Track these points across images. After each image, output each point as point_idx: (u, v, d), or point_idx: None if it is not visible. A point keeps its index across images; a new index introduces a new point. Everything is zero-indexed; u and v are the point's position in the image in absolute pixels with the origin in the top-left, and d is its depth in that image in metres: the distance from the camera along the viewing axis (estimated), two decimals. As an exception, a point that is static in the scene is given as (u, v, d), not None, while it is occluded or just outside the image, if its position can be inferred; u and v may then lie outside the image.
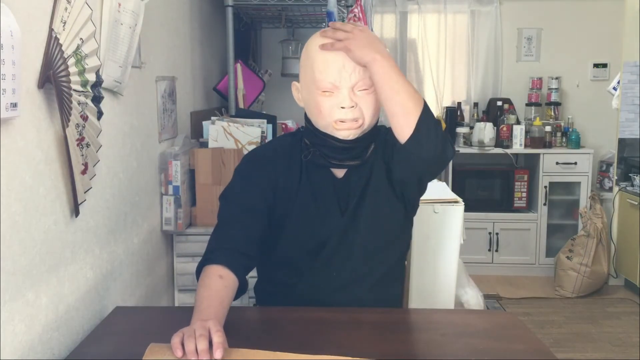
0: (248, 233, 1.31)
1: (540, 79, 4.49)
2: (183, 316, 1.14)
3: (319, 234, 1.37)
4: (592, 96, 4.52)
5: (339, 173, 1.38)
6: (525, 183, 4.33)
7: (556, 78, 4.47)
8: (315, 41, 1.30)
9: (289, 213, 1.37)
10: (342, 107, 1.26)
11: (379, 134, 1.40)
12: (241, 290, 1.29)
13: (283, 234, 1.39)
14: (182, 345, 1.02)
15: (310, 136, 1.37)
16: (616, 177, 4.06)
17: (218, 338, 1.03)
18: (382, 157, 1.38)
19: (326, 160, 1.35)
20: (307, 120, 1.37)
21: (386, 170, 1.37)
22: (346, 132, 1.29)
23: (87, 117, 1.28)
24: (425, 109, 1.22)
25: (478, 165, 4.44)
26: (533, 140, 4.33)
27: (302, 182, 1.37)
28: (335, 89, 1.26)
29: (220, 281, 1.21)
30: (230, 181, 1.40)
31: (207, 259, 1.26)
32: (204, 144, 2.31)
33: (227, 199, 1.37)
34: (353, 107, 1.26)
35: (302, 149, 1.39)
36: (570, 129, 4.40)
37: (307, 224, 1.37)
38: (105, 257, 1.49)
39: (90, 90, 1.29)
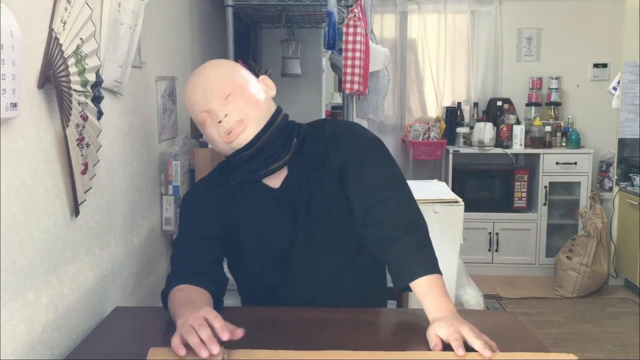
0: (199, 257, 1.33)
1: (540, 79, 4.49)
2: (183, 316, 1.14)
3: (277, 249, 1.36)
4: (592, 96, 4.52)
5: (274, 183, 1.37)
6: (525, 183, 4.33)
7: (556, 78, 4.47)
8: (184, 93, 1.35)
9: (238, 236, 1.38)
10: (220, 122, 1.28)
11: (300, 128, 1.37)
12: (217, 299, 1.30)
13: (245, 258, 1.40)
14: (184, 344, 1.02)
15: (231, 165, 1.38)
16: (616, 177, 4.06)
17: (219, 322, 1.03)
18: (321, 158, 1.34)
19: (252, 174, 1.35)
20: (225, 158, 1.39)
21: (331, 171, 1.33)
22: (241, 138, 1.29)
23: (87, 117, 1.28)
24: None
25: (478, 165, 4.45)
26: (533, 140, 4.33)
27: (240, 204, 1.37)
28: (209, 113, 1.29)
29: (184, 292, 1.25)
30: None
31: (166, 288, 1.30)
32: (204, 144, 2.31)
33: (176, 241, 1.40)
34: (227, 115, 1.28)
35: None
36: (570, 129, 4.41)
37: (260, 242, 1.37)
38: (105, 257, 1.49)
39: (90, 90, 1.29)
